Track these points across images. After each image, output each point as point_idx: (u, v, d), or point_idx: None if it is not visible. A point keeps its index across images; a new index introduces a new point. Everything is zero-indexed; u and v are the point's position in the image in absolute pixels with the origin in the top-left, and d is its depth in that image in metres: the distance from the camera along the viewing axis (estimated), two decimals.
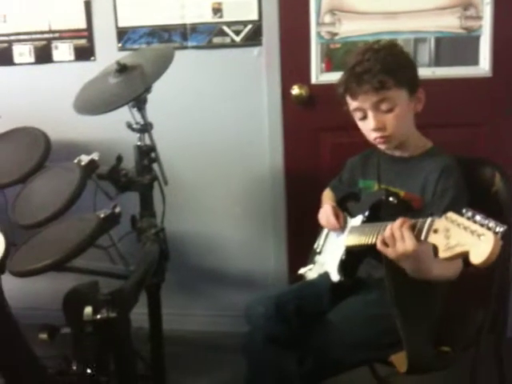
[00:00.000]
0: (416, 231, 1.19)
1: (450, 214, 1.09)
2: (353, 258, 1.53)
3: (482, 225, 1.01)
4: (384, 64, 1.44)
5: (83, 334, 1.45)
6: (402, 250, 1.22)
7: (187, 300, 2.55)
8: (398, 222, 1.24)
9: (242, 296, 2.27)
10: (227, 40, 2.29)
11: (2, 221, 1.81)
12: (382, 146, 1.54)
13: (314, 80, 2.26)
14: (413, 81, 1.49)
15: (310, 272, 1.71)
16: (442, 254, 1.07)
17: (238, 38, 2.27)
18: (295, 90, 2.26)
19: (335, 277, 1.53)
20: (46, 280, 1.70)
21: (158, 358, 1.96)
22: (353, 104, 1.50)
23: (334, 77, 1.59)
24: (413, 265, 1.27)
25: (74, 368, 1.53)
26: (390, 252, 1.25)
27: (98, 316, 1.38)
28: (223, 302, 2.54)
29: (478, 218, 1.03)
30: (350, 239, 1.52)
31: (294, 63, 2.26)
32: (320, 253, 1.73)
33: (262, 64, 2.27)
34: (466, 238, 1.03)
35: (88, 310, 1.38)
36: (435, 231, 1.12)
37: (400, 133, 1.50)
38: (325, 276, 1.58)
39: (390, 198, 1.47)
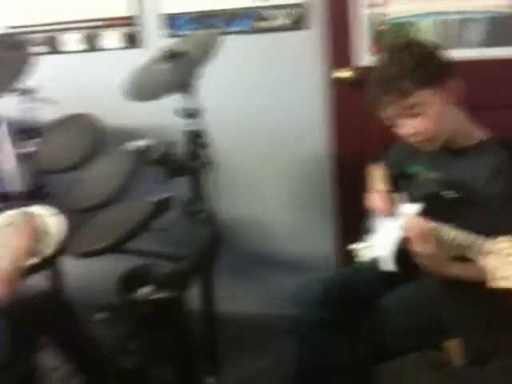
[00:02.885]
0: (466, 246, 1.19)
1: (502, 240, 1.08)
2: (407, 247, 1.52)
3: None
4: (400, 69, 1.38)
5: (139, 314, 1.51)
6: (422, 251, 1.30)
7: (238, 283, 2.60)
8: (427, 226, 1.29)
9: (291, 279, 2.28)
10: (271, 24, 2.28)
11: (58, 205, 1.89)
12: (425, 149, 1.50)
13: (361, 63, 2.24)
14: (436, 75, 1.41)
15: (362, 250, 1.70)
16: (490, 283, 1.06)
17: (282, 22, 2.27)
18: (341, 73, 2.25)
19: (388, 266, 1.50)
20: (101, 261, 1.75)
21: (211, 339, 2.00)
22: (381, 115, 1.47)
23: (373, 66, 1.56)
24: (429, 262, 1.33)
25: (130, 347, 1.59)
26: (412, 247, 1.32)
27: (155, 296, 1.43)
28: (273, 285, 2.57)
29: None
30: (405, 229, 1.47)
31: (340, 46, 2.24)
32: (372, 232, 1.72)
33: (308, 47, 2.26)
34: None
35: (145, 290, 1.43)
36: (486, 253, 1.11)
37: (438, 132, 1.44)
38: (376, 261, 1.57)
39: (446, 193, 1.41)
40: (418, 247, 1.32)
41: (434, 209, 1.41)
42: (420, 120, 1.41)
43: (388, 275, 1.50)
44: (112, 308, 1.60)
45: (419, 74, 1.38)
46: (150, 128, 2.24)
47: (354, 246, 1.72)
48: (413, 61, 1.39)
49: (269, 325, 2.44)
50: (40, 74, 2.08)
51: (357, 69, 2.24)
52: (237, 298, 2.54)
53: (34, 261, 1.64)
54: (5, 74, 2.07)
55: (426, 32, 2.17)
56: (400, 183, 1.64)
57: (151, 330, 1.57)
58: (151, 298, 1.43)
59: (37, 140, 2.10)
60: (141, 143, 1.81)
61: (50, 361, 1.84)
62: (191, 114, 1.85)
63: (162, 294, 1.43)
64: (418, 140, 1.45)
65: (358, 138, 2.32)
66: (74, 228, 1.73)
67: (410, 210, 1.51)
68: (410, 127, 1.43)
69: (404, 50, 1.42)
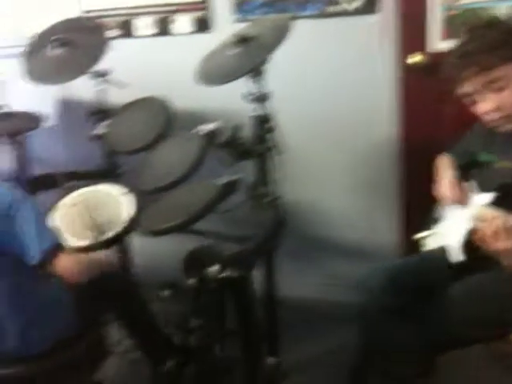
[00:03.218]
0: None
1: None
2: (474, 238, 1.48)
3: None
4: (484, 42, 1.37)
5: (203, 292, 1.55)
6: (502, 248, 1.26)
7: (299, 267, 2.61)
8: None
9: (353, 266, 2.29)
10: (341, 8, 2.25)
11: (128, 185, 1.96)
12: (502, 128, 1.47)
13: (432, 48, 2.19)
14: None
15: (428, 239, 1.68)
16: None
17: (352, 6, 2.24)
18: (412, 59, 2.21)
19: (457, 256, 1.48)
20: (167, 240, 1.80)
21: (272, 320, 2.03)
22: (460, 90, 1.45)
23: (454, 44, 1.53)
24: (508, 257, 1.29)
25: (192, 324, 1.63)
26: (490, 245, 1.28)
27: (222, 275, 1.46)
28: (334, 271, 2.57)
29: None
30: (476, 219, 1.44)
31: (411, 30, 2.20)
32: (439, 221, 1.69)
33: (378, 32, 2.22)
34: None
35: (213, 268, 1.47)
36: None
37: None
38: (443, 250, 1.54)
39: None
40: (496, 243, 1.28)
41: (508, 200, 1.38)
42: (502, 95, 1.40)
43: (455, 265, 1.48)
44: (177, 286, 1.64)
45: (505, 49, 1.37)
46: (218, 112, 2.27)
47: (420, 235, 1.69)
48: (498, 36, 1.39)
49: (328, 310, 2.45)
50: (113, 57, 2.15)
51: (428, 54, 2.19)
52: (297, 283, 2.55)
53: (105, 237, 1.72)
54: (82, 58, 2.15)
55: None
56: (472, 172, 1.60)
57: (216, 309, 1.60)
58: (218, 276, 1.46)
59: (109, 121, 2.16)
60: (209, 126, 1.85)
61: (113, 335, 1.92)
62: (259, 98, 1.87)
63: (228, 273, 1.46)
64: (497, 117, 1.43)
65: (429, 125, 2.27)
66: (143, 207, 1.79)
67: (482, 200, 1.47)
68: (491, 102, 1.41)
69: (487, 27, 1.42)
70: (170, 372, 1.82)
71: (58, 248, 1.45)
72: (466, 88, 1.43)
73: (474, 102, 1.44)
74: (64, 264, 1.46)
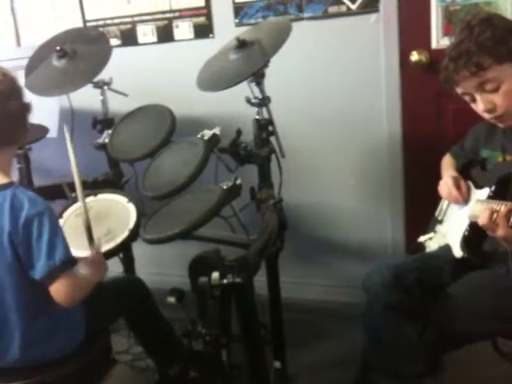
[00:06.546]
0: None
1: None
2: (477, 232, 1.47)
3: None
4: (479, 43, 1.36)
5: (208, 298, 1.54)
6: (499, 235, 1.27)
7: (304, 269, 2.61)
8: (505, 210, 1.26)
9: (358, 267, 2.29)
10: (343, 8, 2.25)
11: (132, 193, 1.96)
12: (500, 125, 1.48)
13: (434, 45, 2.18)
14: None
15: (431, 241, 1.67)
16: None
17: (354, 6, 2.23)
18: (415, 56, 2.20)
19: (458, 253, 1.49)
20: (171, 247, 1.80)
21: (277, 324, 2.03)
22: (457, 90, 1.45)
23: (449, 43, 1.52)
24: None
25: (199, 330, 1.62)
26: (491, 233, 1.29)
27: (225, 281, 1.46)
28: (339, 272, 2.56)
29: None
30: (475, 214, 1.46)
31: (413, 28, 2.19)
32: (441, 222, 1.69)
33: (380, 31, 2.22)
34: None
35: (215, 275, 1.46)
36: None
37: None
38: (446, 248, 1.55)
39: None
40: (492, 233, 1.29)
41: (508, 191, 1.39)
42: (497, 95, 1.39)
43: (458, 262, 1.47)
44: (182, 292, 1.64)
45: (499, 49, 1.36)
46: (220, 116, 2.27)
47: (423, 238, 1.70)
48: (494, 35, 1.37)
49: (332, 311, 2.45)
50: (116, 65, 2.15)
51: (429, 51, 2.18)
52: (302, 285, 2.56)
53: (110, 246, 1.72)
54: (85, 67, 2.15)
55: (505, 12, 2.06)
56: (474, 168, 1.60)
57: (222, 315, 1.60)
58: (221, 282, 1.45)
59: (113, 130, 2.17)
60: (211, 131, 1.84)
61: (120, 343, 1.91)
62: (260, 102, 1.86)
63: (231, 279, 1.45)
64: (494, 116, 1.44)
65: (432, 124, 2.26)
66: (147, 214, 1.79)
67: (482, 195, 1.48)
68: (486, 102, 1.41)
69: (484, 24, 1.39)
70: (176, 377, 1.82)
71: (63, 268, 1.39)
72: (462, 89, 1.43)
73: (473, 100, 1.44)
74: (61, 287, 1.39)
